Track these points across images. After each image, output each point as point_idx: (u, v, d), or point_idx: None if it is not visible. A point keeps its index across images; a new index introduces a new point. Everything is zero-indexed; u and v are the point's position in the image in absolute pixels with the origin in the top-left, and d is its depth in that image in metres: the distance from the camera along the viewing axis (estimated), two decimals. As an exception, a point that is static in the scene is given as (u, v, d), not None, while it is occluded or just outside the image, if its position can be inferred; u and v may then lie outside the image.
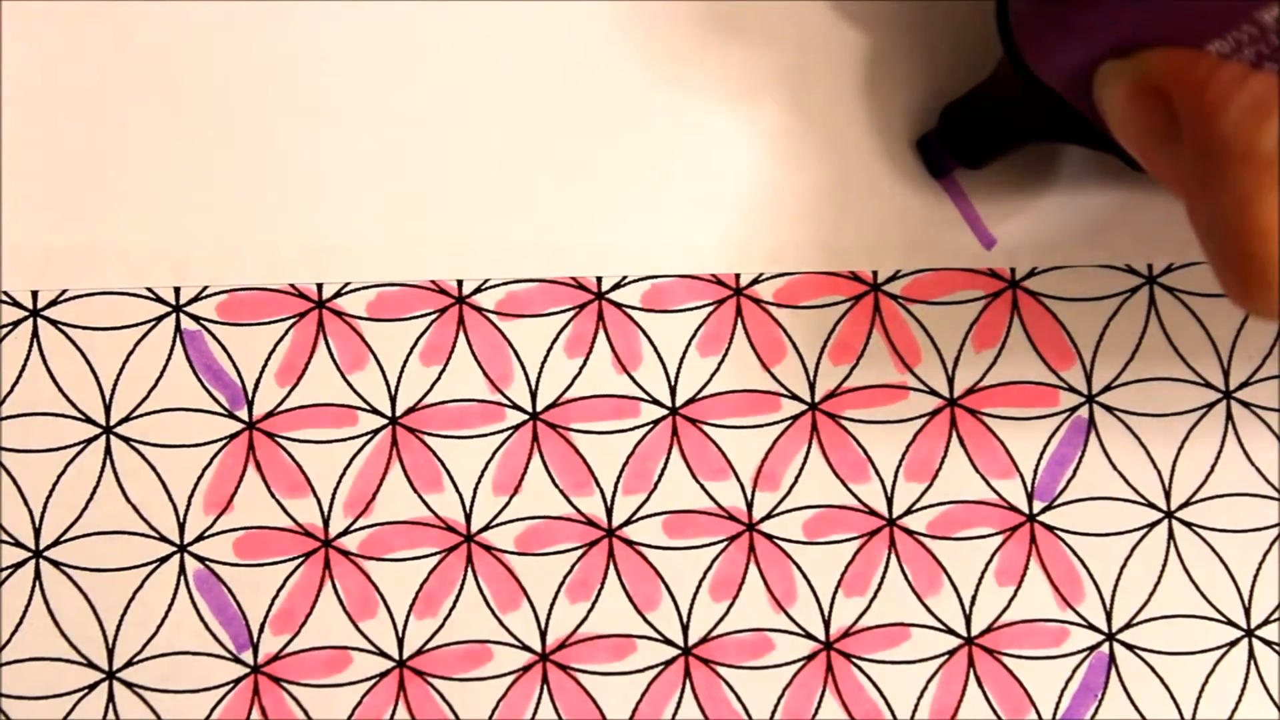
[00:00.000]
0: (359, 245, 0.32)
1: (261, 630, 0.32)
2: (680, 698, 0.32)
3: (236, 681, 0.32)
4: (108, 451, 0.32)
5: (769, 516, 0.33)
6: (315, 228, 0.32)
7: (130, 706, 0.31)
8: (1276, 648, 0.33)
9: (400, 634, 0.32)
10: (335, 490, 0.32)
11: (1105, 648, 0.33)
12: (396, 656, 0.32)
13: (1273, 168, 0.21)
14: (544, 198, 0.33)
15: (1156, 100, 0.23)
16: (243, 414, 0.32)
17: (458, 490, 0.32)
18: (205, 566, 0.32)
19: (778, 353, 0.33)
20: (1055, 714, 0.32)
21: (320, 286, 0.32)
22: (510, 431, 0.32)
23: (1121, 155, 0.27)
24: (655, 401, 0.33)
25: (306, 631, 0.32)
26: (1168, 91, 0.23)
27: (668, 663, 0.32)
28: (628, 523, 0.32)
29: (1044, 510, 0.33)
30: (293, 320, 0.32)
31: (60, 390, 0.32)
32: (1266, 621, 0.33)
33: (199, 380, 0.32)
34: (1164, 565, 0.33)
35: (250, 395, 0.32)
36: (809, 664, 0.32)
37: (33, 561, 0.32)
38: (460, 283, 0.33)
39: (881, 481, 0.33)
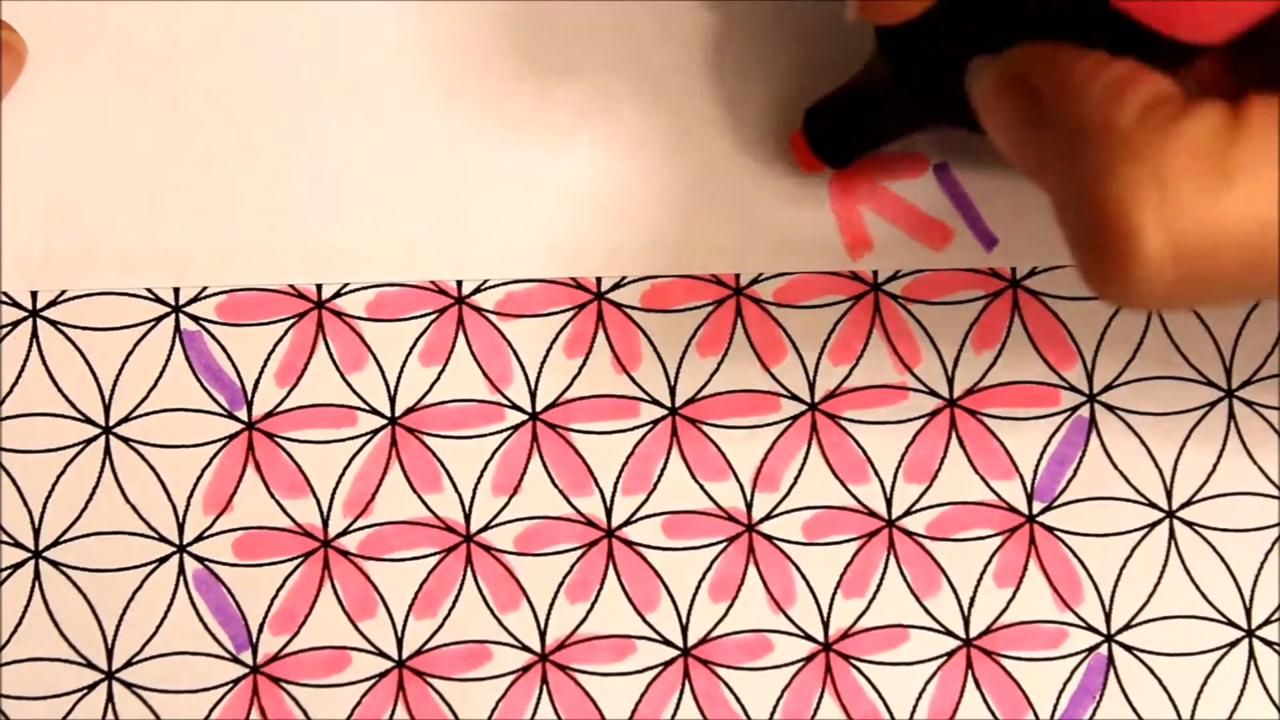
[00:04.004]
0: (358, 246, 0.32)
1: (261, 630, 0.32)
2: (679, 698, 0.32)
3: (236, 681, 0.32)
4: (107, 452, 0.32)
5: (768, 517, 0.33)
6: (315, 228, 0.32)
7: (129, 707, 0.32)
8: (1277, 648, 0.33)
9: (399, 634, 0.32)
10: (334, 490, 0.32)
11: (1104, 649, 0.33)
12: (396, 656, 0.32)
13: (1128, 140, 0.20)
14: (543, 198, 0.33)
15: (1023, 89, 0.23)
16: (242, 414, 0.32)
17: (457, 490, 0.32)
18: (204, 566, 0.32)
19: (777, 353, 0.33)
20: (1053, 716, 0.32)
21: (320, 287, 0.32)
22: (510, 431, 0.32)
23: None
24: (655, 401, 0.33)
25: (306, 631, 0.32)
26: (1033, 80, 0.23)
27: (667, 663, 0.32)
28: (627, 523, 0.32)
29: (1044, 511, 0.33)
30: (292, 320, 0.32)
31: (60, 390, 0.32)
32: (1267, 622, 0.33)
33: (198, 380, 0.32)
34: (1164, 565, 0.33)
35: (249, 395, 0.32)
36: (808, 665, 0.32)
37: (32, 562, 0.32)
38: (459, 283, 0.33)
39: (881, 482, 0.33)
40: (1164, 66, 0.22)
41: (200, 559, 0.32)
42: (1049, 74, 0.22)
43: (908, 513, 0.33)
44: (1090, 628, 0.33)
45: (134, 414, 0.32)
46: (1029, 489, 0.33)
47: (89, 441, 0.32)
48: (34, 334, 0.32)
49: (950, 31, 0.25)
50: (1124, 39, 0.22)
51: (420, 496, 0.32)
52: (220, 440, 0.32)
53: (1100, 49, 0.22)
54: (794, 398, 0.33)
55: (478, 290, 0.33)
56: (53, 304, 0.32)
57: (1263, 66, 0.25)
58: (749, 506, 0.33)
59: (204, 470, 0.32)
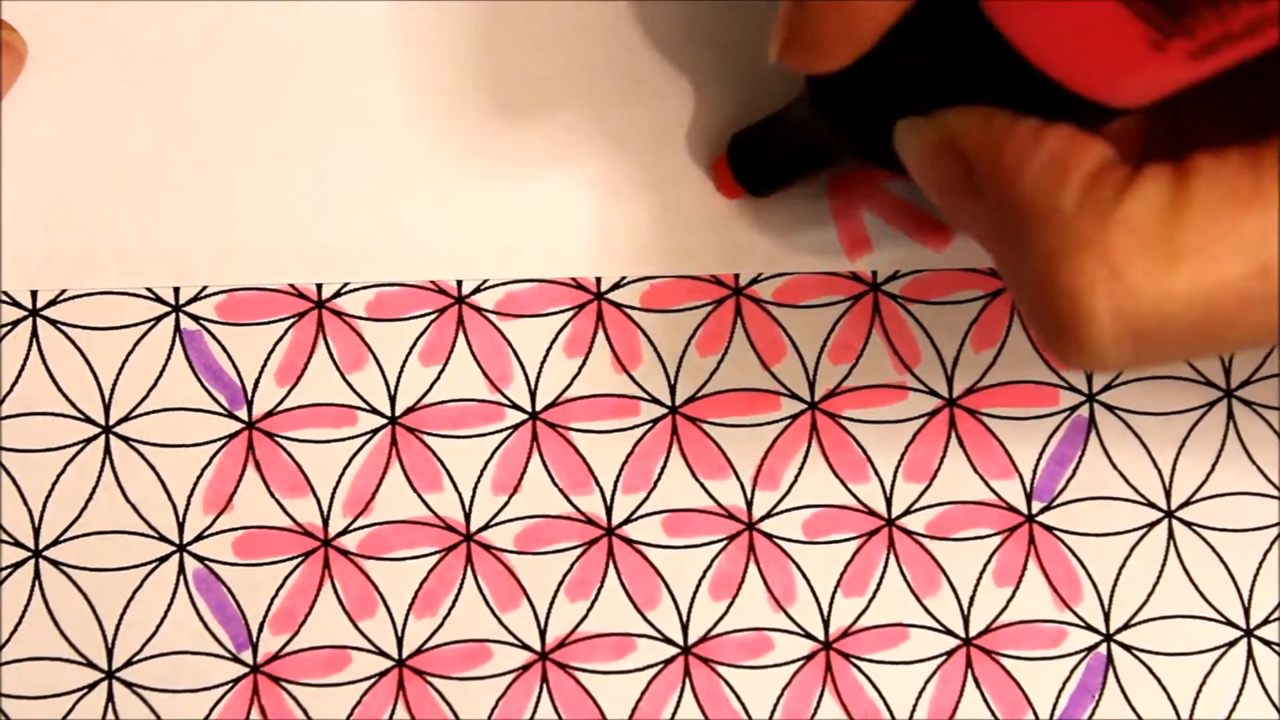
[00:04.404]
0: (358, 245, 0.32)
1: (261, 630, 0.32)
2: (680, 697, 0.32)
3: (236, 681, 0.32)
4: (107, 451, 0.32)
5: (768, 516, 0.33)
6: (315, 228, 0.32)
7: (130, 706, 0.32)
8: (1276, 648, 0.33)
9: (400, 633, 0.32)
10: (335, 490, 0.32)
11: (1103, 648, 0.33)
12: (396, 656, 0.32)
13: (1075, 227, 0.20)
14: (543, 198, 0.33)
15: (956, 156, 0.23)
16: (242, 414, 0.32)
17: (457, 490, 0.32)
18: (205, 566, 0.32)
19: (777, 352, 0.33)
20: (1052, 715, 0.32)
21: (320, 286, 0.32)
22: (510, 431, 0.32)
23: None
24: (655, 400, 0.33)
25: (306, 631, 0.32)
26: (965, 149, 0.23)
27: (667, 662, 0.32)
28: (627, 521, 0.32)
29: (1043, 510, 0.33)
30: (292, 320, 0.32)
31: (60, 390, 0.32)
32: (1266, 621, 0.33)
33: (198, 380, 0.32)
34: (1163, 565, 0.33)
35: (250, 395, 0.32)
36: (808, 664, 0.32)
37: (32, 561, 0.32)
38: (459, 283, 0.33)
39: (881, 482, 0.33)
40: (1098, 118, 0.22)
41: (200, 558, 0.32)
42: (981, 144, 0.22)
43: (907, 512, 0.33)
44: (1089, 627, 0.33)
45: (134, 413, 0.32)
46: (1028, 489, 0.33)
47: (89, 441, 0.32)
48: (34, 333, 0.32)
49: (876, 84, 0.25)
50: (1052, 97, 0.22)
51: (420, 496, 0.32)
52: (220, 440, 0.32)
53: (1030, 108, 0.22)
54: (794, 397, 0.33)
55: (478, 290, 0.33)
56: (53, 303, 0.32)
57: (1202, 122, 0.25)
58: (749, 505, 0.33)
59: (204, 470, 0.32)
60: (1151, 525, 0.33)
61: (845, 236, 0.33)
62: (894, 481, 0.33)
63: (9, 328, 0.32)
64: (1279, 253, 0.20)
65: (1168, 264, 0.20)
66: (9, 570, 0.32)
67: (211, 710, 0.32)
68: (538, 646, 0.32)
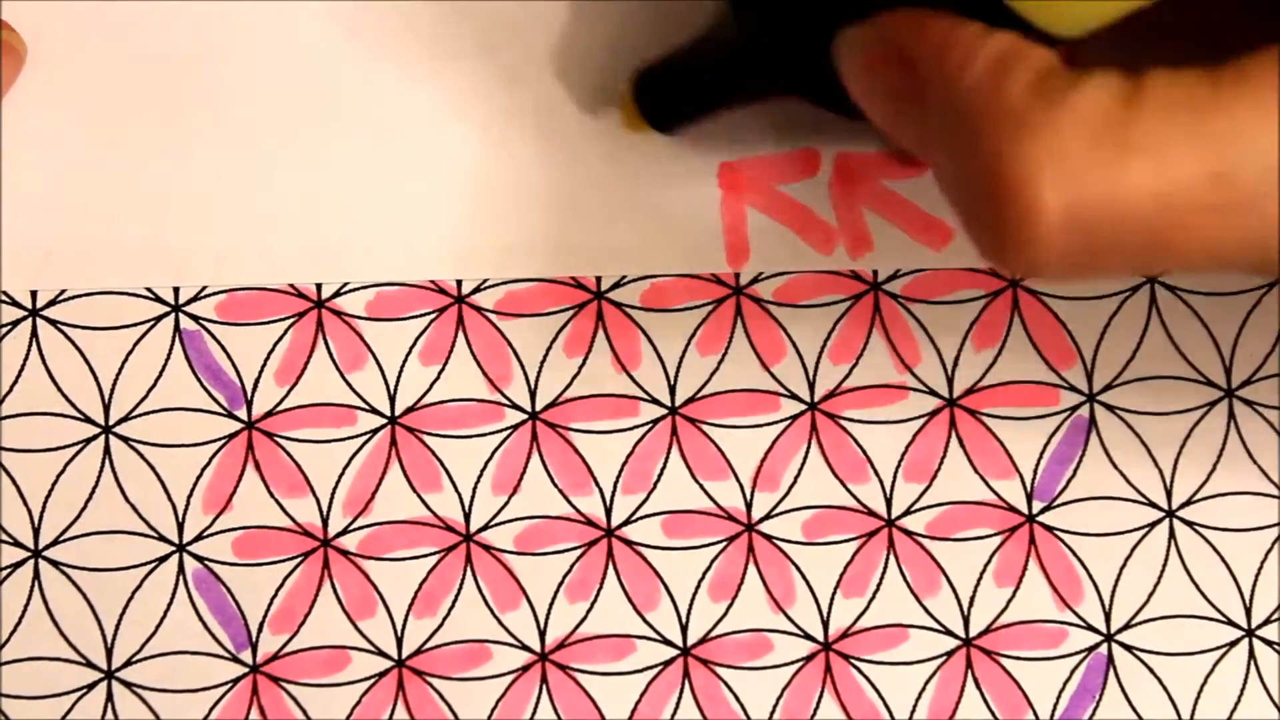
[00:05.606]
0: (358, 245, 0.32)
1: (260, 630, 0.32)
2: (679, 698, 0.32)
3: (235, 681, 0.32)
4: (107, 451, 0.32)
5: (768, 517, 0.33)
6: (314, 228, 0.32)
7: (129, 706, 0.32)
8: (1277, 648, 0.33)
9: (399, 634, 0.32)
10: (334, 490, 0.32)
11: (1104, 649, 0.33)
12: (395, 656, 0.32)
13: (1020, 117, 0.20)
14: (543, 198, 0.33)
15: (897, 62, 0.22)
16: (242, 414, 0.32)
17: (457, 490, 0.32)
18: (204, 566, 0.32)
19: (777, 352, 0.33)
20: (1053, 715, 0.32)
21: (319, 286, 0.32)
22: (509, 431, 0.32)
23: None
24: (654, 401, 0.33)
25: (305, 631, 0.32)
26: (908, 52, 0.22)
27: (667, 663, 0.32)
28: (627, 522, 0.32)
29: (1043, 510, 0.33)
30: (292, 320, 0.32)
31: (59, 390, 0.32)
32: (1267, 621, 0.33)
33: (198, 380, 0.32)
34: (1164, 565, 0.33)
35: (249, 395, 0.32)
36: (808, 665, 0.32)
37: (31, 561, 0.32)
38: (459, 282, 0.33)
39: (880, 482, 0.33)
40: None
41: (200, 558, 0.32)
42: (925, 45, 0.22)
43: (907, 512, 0.33)
44: (1090, 627, 0.33)
45: (134, 413, 0.32)
46: (1029, 489, 0.33)
47: (89, 441, 0.32)
48: (34, 333, 0.32)
49: None
50: (991, 20, 0.21)
51: (420, 496, 0.32)
52: (220, 440, 0.32)
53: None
54: (794, 397, 0.33)
55: (477, 289, 0.33)
56: (53, 303, 0.32)
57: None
58: (749, 506, 0.33)
59: (204, 469, 0.32)
60: (1152, 525, 0.33)
61: (847, 235, 0.33)
62: (894, 482, 0.33)
63: (9, 328, 0.32)
64: (1237, 160, 0.19)
65: (1119, 156, 0.19)
66: (9, 570, 0.32)
67: (211, 710, 0.32)
68: (537, 647, 0.32)
